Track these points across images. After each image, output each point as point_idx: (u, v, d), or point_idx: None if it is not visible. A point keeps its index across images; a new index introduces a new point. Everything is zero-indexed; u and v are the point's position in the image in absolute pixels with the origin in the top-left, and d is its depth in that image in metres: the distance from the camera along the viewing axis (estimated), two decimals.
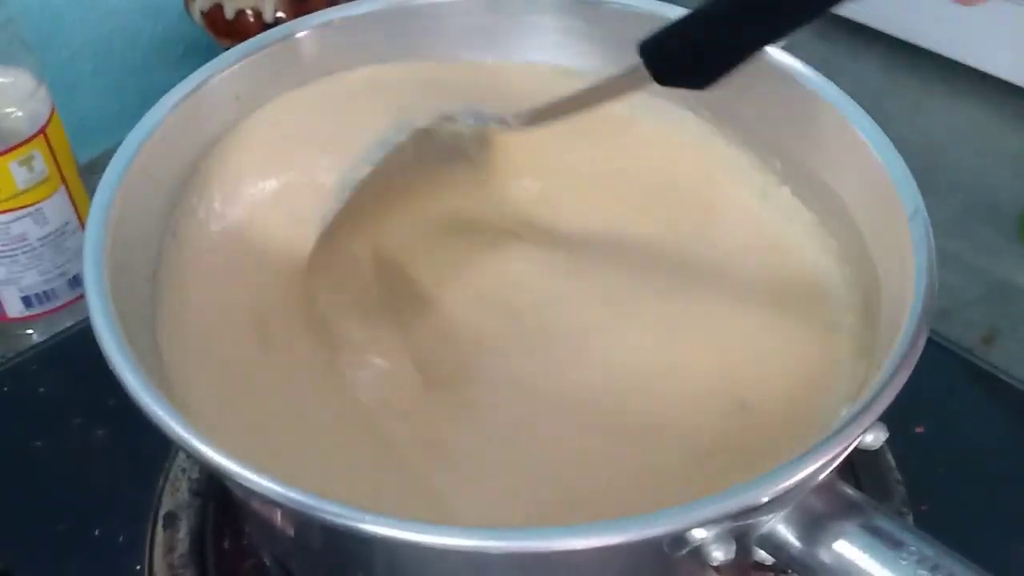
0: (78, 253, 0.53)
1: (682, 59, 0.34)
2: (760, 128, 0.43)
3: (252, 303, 0.39)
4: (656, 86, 0.34)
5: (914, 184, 0.35)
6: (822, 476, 0.29)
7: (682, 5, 0.40)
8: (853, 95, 0.39)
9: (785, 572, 0.31)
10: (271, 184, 0.41)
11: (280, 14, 0.60)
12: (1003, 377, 0.51)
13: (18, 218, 0.50)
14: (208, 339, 0.37)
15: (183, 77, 0.40)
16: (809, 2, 0.31)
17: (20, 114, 0.49)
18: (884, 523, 0.29)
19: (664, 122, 0.44)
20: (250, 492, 0.29)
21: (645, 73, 0.34)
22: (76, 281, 0.54)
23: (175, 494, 0.45)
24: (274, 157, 0.42)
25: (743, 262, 0.41)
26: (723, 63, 0.33)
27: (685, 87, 0.34)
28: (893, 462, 0.45)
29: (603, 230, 0.43)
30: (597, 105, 0.38)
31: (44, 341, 0.53)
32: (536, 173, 0.45)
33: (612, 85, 0.37)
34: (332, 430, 0.36)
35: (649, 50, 0.34)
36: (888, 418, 0.30)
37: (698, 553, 0.28)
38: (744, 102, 0.43)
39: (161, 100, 0.39)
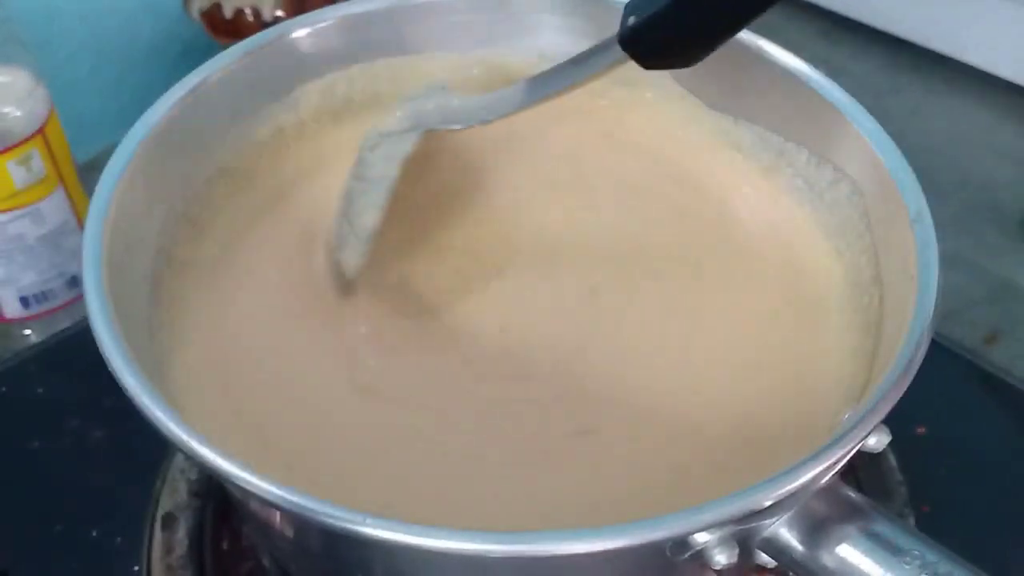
0: (76, 253, 0.52)
1: (667, 42, 0.34)
2: (764, 128, 0.43)
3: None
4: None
5: (917, 185, 0.35)
6: (825, 480, 0.29)
7: None
8: (855, 94, 0.39)
9: (786, 575, 0.31)
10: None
11: (279, 13, 0.60)
12: (1005, 378, 0.51)
13: (16, 218, 0.50)
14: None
15: (181, 76, 0.40)
16: None
17: (18, 113, 0.49)
18: (886, 527, 0.29)
19: (671, 120, 0.44)
20: (248, 494, 0.28)
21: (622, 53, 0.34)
22: (74, 281, 0.54)
23: (173, 495, 0.45)
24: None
25: (747, 264, 0.41)
26: (708, 42, 0.33)
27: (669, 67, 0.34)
28: (895, 463, 0.45)
29: (607, 228, 0.43)
30: (576, 87, 0.38)
31: (42, 342, 0.53)
32: (549, 177, 0.45)
33: (590, 64, 0.36)
34: (336, 429, 0.36)
35: (630, 35, 0.34)
36: (889, 419, 0.30)
37: (700, 556, 0.28)
38: (747, 102, 0.42)
39: (160, 99, 0.39)
